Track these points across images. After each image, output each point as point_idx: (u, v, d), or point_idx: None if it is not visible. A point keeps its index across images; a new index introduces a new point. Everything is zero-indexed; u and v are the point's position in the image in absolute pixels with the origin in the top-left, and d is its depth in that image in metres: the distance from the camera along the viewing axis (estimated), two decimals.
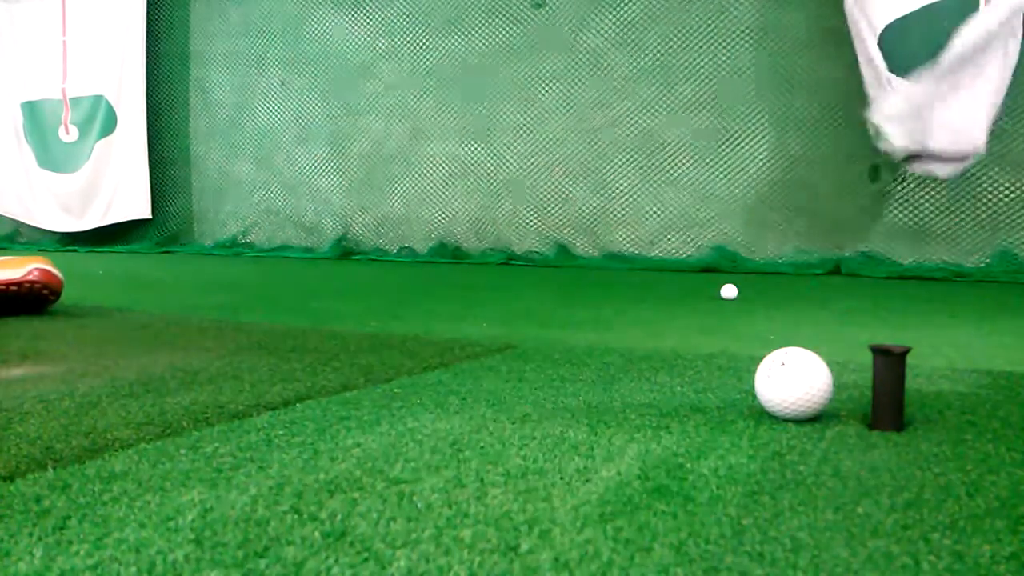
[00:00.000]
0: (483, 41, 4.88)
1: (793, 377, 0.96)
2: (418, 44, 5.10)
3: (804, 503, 0.71)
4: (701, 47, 4.33)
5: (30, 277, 1.93)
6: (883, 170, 3.83)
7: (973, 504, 0.71)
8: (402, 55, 5.16)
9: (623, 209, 4.56)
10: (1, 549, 0.60)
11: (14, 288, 1.90)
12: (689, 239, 4.40)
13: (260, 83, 5.72)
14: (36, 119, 6.44)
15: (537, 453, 0.85)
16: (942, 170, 3.48)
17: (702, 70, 4.34)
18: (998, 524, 0.67)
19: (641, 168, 4.51)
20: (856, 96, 3.71)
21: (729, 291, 2.58)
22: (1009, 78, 3.39)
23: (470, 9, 4.91)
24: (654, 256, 4.43)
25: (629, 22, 4.50)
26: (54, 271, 2.02)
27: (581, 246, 4.68)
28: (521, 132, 4.83)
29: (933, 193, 3.78)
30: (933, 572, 0.58)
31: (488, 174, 4.95)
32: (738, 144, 4.28)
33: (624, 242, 4.55)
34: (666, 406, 1.06)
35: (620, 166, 4.57)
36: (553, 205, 4.77)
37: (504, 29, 4.82)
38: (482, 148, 4.96)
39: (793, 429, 0.96)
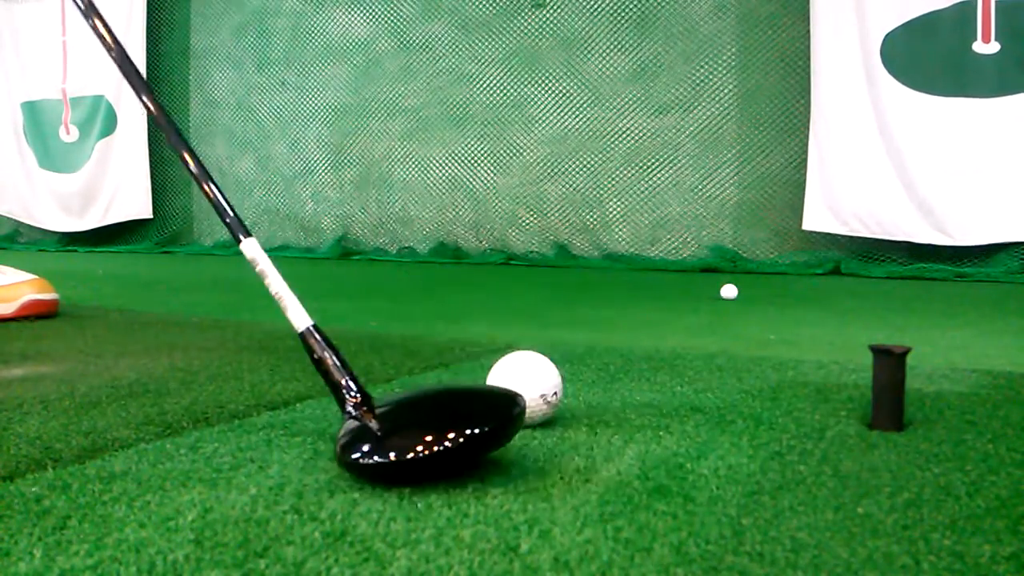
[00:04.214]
0: (483, 42, 4.88)
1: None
2: (418, 44, 5.10)
3: (804, 503, 0.71)
4: (700, 46, 4.33)
5: (23, 312, 1.91)
6: None
7: (973, 504, 0.71)
8: (402, 54, 5.16)
9: (623, 209, 4.57)
10: (1, 549, 0.60)
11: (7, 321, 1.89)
12: (689, 239, 4.40)
13: (260, 82, 5.72)
14: (36, 119, 6.44)
15: (537, 453, 0.85)
16: None
17: (701, 69, 4.34)
18: (998, 524, 0.67)
19: (641, 168, 4.52)
20: None
21: (729, 291, 2.58)
22: None
23: (471, 10, 4.91)
24: (654, 256, 4.43)
25: (628, 24, 4.50)
26: (48, 297, 1.95)
27: (581, 246, 4.68)
28: (521, 132, 4.84)
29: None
30: (933, 572, 0.58)
31: (488, 174, 4.96)
32: (738, 144, 4.29)
33: (624, 242, 4.55)
34: (666, 406, 1.06)
35: (620, 166, 4.57)
36: (553, 205, 4.77)
37: (504, 30, 4.82)
38: (482, 148, 4.96)
39: (793, 429, 0.96)
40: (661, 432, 0.94)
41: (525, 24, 4.77)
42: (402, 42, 5.16)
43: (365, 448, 0.76)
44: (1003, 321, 2.19)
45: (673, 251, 4.42)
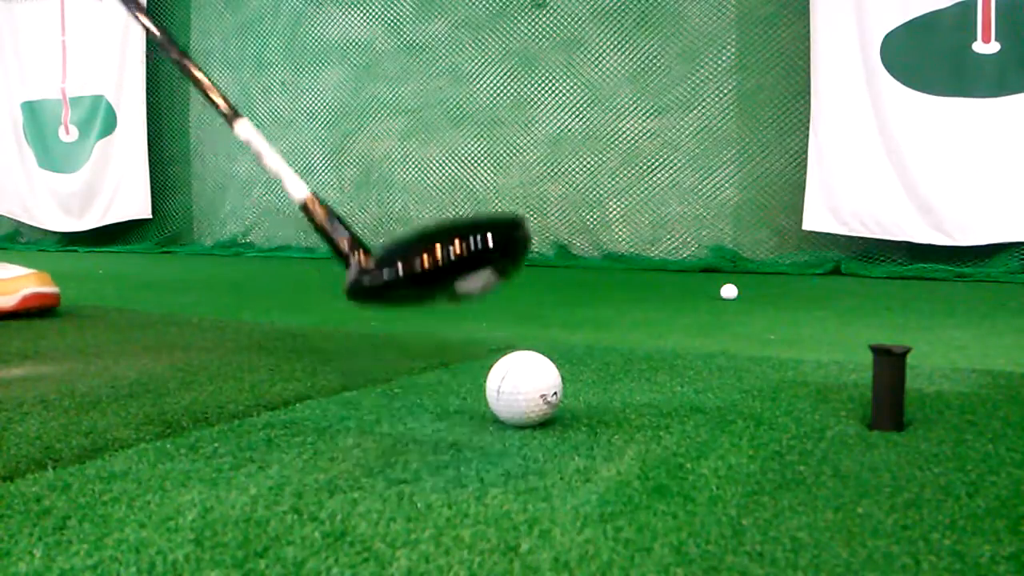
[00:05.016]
0: (483, 42, 4.88)
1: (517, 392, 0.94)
2: (418, 44, 5.10)
3: (804, 503, 0.71)
4: (700, 46, 4.33)
5: (23, 305, 1.91)
6: None
7: (973, 504, 0.71)
8: (402, 55, 5.16)
9: (623, 209, 4.56)
10: (1, 549, 0.60)
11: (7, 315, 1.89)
12: (689, 239, 4.40)
13: (260, 83, 5.72)
14: (36, 119, 6.44)
15: (537, 453, 0.85)
16: None
17: (700, 69, 4.34)
18: (998, 524, 0.67)
19: (641, 168, 4.51)
20: None
21: (729, 291, 2.58)
22: None
23: (470, 10, 4.91)
24: (654, 256, 4.43)
25: (627, 24, 4.50)
26: (48, 290, 1.95)
27: (581, 246, 4.68)
28: (521, 132, 4.83)
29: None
30: (933, 572, 0.58)
31: (488, 174, 4.96)
32: (738, 144, 4.28)
33: (624, 242, 4.55)
34: (666, 406, 1.06)
35: (620, 166, 4.57)
36: (553, 205, 4.77)
37: (503, 30, 4.82)
38: (482, 148, 4.96)
39: (793, 429, 0.96)
40: (661, 432, 0.94)
41: (524, 24, 4.77)
42: (401, 42, 5.16)
43: (373, 273, 0.79)
44: (1003, 321, 2.19)
45: (673, 251, 4.42)
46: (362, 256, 0.86)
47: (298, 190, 0.93)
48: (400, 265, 0.76)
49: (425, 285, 0.75)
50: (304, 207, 0.92)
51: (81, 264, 4.59)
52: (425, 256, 0.74)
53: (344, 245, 0.88)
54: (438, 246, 0.74)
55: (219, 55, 5.87)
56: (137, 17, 1.09)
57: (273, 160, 0.95)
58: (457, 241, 0.74)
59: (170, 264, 4.74)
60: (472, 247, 0.74)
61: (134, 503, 0.70)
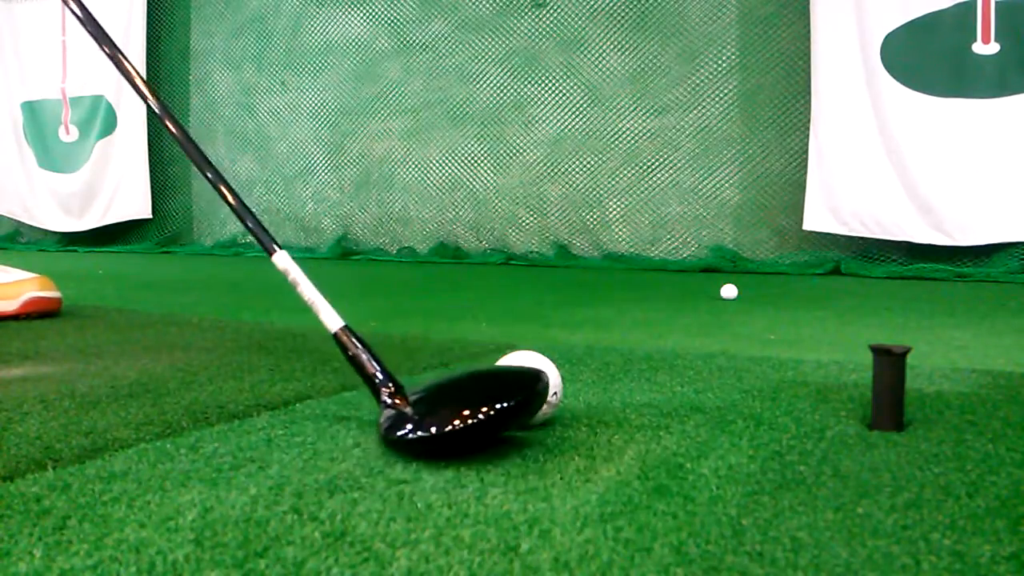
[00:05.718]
0: (483, 41, 4.88)
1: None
2: (419, 44, 5.10)
3: (804, 503, 0.71)
4: (700, 47, 4.33)
5: (25, 309, 1.90)
6: None
7: (973, 504, 0.71)
8: (403, 55, 5.16)
9: (623, 209, 4.56)
10: (1, 549, 0.60)
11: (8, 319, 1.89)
12: (689, 239, 4.40)
13: (260, 83, 5.72)
14: (36, 119, 6.44)
15: (537, 453, 0.85)
16: None
17: (700, 69, 4.34)
18: (998, 524, 0.67)
19: (641, 168, 4.51)
20: None
21: (729, 291, 2.58)
22: None
23: (470, 10, 4.91)
24: (654, 256, 4.43)
25: (627, 24, 4.50)
26: (50, 295, 1.95)
27: (581, 246, 4.68)
28: (521, 132, 4.83)
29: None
30: (933, 572, 0.58)
31: (488, 174, 4.95)
32: (738, 144, 4.28)
33: (624, 242, 4.55)
34: (666, 406, 1.06)
35: (620, 166, 4.57)
36: (553, 205, 4.77)
37: (503, 30, 4.82)
38: (482, 148, 4.95)
39: (793, 429, 0.96)
40: (661, 432, 0.94)
41: (525, 24, 4.77)
42: (402, 42, 5.15)
43: (408, 427, 0.83)
44: (1003, 321, 2.19)
45: (673, 251, 4.42)
46: (395, 394, 0.91)
47: (333, 321, 0.97)
48: (433, 427, 0.82)
49: (453, 443, 0.82)
50: (336, 337, 0.97)
51: (81, 264, 4.59)
52: (456, 421, 0.81)
53: (376, 379, 0.93)
54: (467, 412, 0.81)
55: (219, 55, 5.86)
56: (167, 125, 1.15)
57: (309, 290, 0.99)
58: (485, 409, 0.81)
59: (170, 264, 4.74)
60: (499, 409, 0.82)
61: (134, 503, 0.70)
